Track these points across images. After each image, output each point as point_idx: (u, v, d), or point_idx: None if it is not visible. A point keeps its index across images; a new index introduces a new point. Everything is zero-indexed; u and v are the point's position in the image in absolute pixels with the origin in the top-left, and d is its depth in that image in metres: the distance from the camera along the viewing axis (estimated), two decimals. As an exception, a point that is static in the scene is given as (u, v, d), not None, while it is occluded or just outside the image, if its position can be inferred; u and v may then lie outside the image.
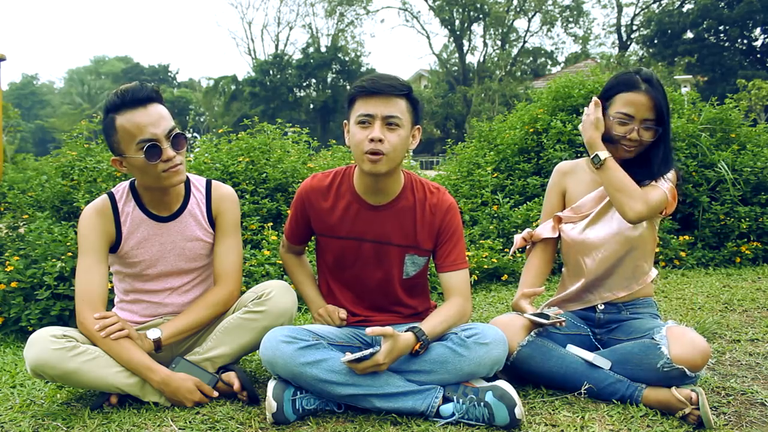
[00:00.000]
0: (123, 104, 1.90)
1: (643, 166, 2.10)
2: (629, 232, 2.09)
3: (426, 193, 2.06)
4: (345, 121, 2.00)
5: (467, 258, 3.89)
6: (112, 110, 1.92)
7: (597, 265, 2.14)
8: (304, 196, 2.09)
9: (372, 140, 1.86)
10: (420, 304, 2.16)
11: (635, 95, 2.04)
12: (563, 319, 1.96)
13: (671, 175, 2.09)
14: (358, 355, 1.76)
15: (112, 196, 2.05)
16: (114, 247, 2.04)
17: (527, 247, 2.32)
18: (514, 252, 2.38)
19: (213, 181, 2.16)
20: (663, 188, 2.05)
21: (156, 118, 1.92)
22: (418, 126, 1.98)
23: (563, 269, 2.32)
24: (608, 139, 2.10)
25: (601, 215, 2.14)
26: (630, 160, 2.11)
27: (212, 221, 2.12)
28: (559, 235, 2.23)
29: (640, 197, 1.99)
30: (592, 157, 2.07)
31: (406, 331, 1.84)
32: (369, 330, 1.77)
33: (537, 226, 2.31)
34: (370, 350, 1.76)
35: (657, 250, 2.11)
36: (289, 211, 2.25)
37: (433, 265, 2.14)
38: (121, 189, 2.08)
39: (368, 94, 1.88)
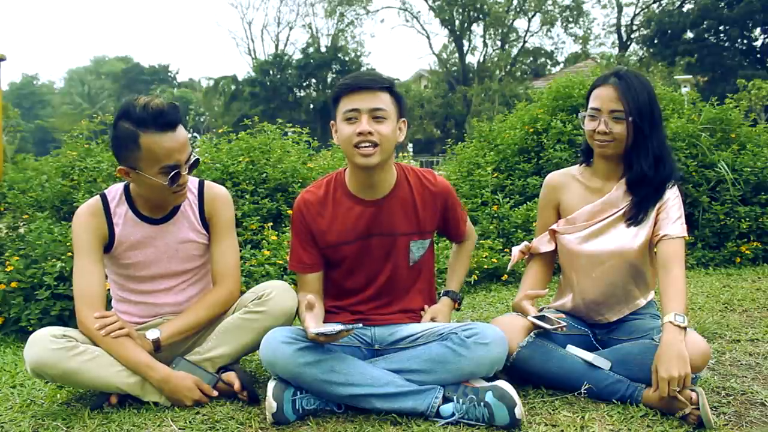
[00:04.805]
0: (153, 124, 1.86)
1: (642, 183, 2.04)
2: (627, 252, 2.05)
3: (420, 178, 2.10)
4: (332, 122, 2.01)
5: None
6: (134, 123, 1.86)
7: (590, 286, 2.12)
8: (303, 209, 2.06)
9: (360, 133, 1.88)
10: (422, 301, 2.15)
11: (601, 89, 2.04)
12: (565, 324, 1.96)
13: (679, 202, 2.03)
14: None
15: (104, 197, 2.05)
16: (107, 248, 2.04)
17: (526, 258, 2.31)
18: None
19: (206, 182, 2.15)
20: (683, 233, 2.00)
21: (182, 144, 1.91)
22: (403, 119, 2.01)
23: (561, 276, 2.31)
24: (588, 147, 2.11)
25: (601, 233, 2.10)
26: (630, 182, 2.06)
27: (205, 222, 2.11)
28: (557, 245, 2.22)
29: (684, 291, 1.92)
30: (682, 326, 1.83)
31: (441, 296, 2.19)
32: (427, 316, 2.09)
33: (533, 238, 2.30)
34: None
35: (656, 250, 2.08)
36: (291, 235, 2.13)
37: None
38: (114, 190, 2.07)
39: (352, 90, 1.91)
